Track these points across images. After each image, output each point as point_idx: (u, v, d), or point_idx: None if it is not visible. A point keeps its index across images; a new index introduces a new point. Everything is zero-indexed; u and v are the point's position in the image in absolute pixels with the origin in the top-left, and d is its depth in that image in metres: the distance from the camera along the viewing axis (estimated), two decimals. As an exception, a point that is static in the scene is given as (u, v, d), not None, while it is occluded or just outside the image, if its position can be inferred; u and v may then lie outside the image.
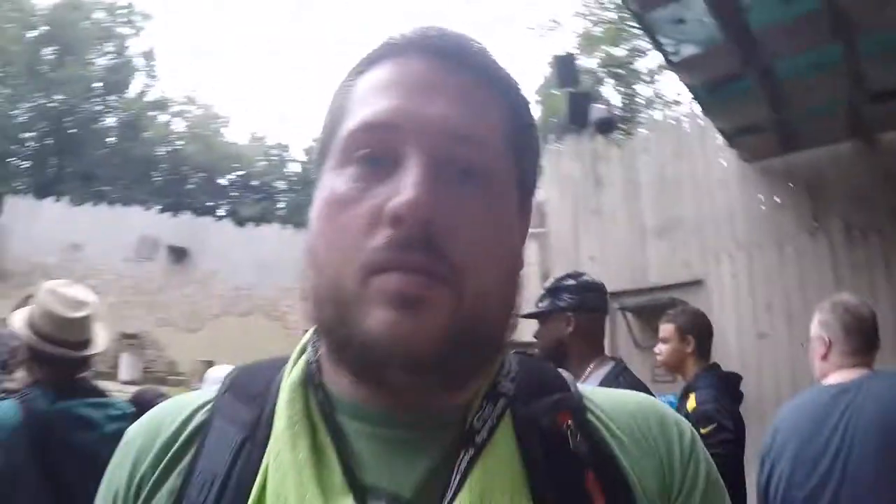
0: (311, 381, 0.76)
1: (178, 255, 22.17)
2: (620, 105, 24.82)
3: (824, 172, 6.07)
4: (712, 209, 6.88)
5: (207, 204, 35.96)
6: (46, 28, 34.25)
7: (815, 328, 2.86)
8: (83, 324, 2.74)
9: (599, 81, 27.38)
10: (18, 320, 2.70)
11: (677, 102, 21.03)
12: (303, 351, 0.80)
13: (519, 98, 0.79)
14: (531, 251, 12.89)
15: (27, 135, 33.46)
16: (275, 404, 0.74)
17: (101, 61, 36.47)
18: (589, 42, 25.34)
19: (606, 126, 10.99)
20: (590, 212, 8.99)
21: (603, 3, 24.25)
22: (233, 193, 40.17)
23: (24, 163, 32.79)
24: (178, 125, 39.91)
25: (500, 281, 0.71)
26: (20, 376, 2.68)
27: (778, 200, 6.34)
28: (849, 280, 5.59)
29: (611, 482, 0.72)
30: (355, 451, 0.71)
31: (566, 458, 0.72)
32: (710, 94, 5.52)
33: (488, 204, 0.70)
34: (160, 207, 24.46)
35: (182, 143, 38.32)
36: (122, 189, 31.68)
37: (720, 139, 6.45)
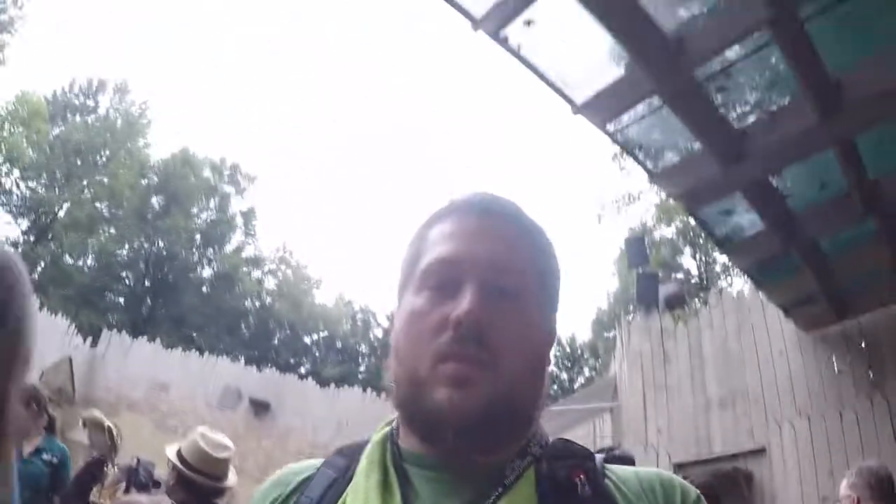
0: (389, 440, 1.03)
1: (260, 408, 22.55)
2: (696, 273, 25.38)
3: (879, 336, 6.31)
4: (773, 379, 7.16)
5: (290, 361, 36.82)
6: (157, 179, 36.95)
7: (843, 489, 3.53)
8: (223, 462, 3.63)
9: (678, 250, 28.01)
10: (171, 453, 3.61)
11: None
12: (388, 423, 1.07)
13: (544, 241, 1.09)
14: (606, 424, 13.24)
15: (126, 273, 35.16)
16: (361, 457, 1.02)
17: (204, 215, 38.85)
18: (666, 212, 26.03)
19: (676, 302, 11.67)
20: (657, 386, 9.61)
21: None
22: (316, 353, 41.12)
23: (120, 299, 34.28)
24: (270, 282, 41.58)
25: (527, 368, 0.97)
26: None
27: (837, 368, 6.59)
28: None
29: None
30: (414, 487, 0.96)
31: (571, 499, 0.93)
32: (761, 273, 5.99)
33: (519, 315, 0.98)
34: (244, 360, 25.17)
35: (271, 300, 39.78)
36: (210, 337, 32.74)
37: (779, 311, 6.83)
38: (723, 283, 24.29)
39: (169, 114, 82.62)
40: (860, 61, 4.04)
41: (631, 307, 41.02)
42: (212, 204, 39.14)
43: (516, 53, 3.96)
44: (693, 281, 26.64)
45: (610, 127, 4.52)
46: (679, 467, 6.85)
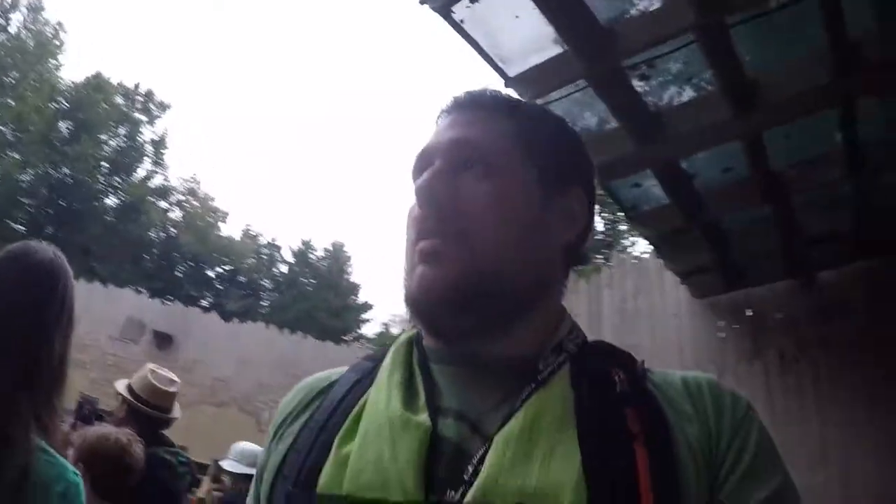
0: (415, 340, 1.02)
1: (163, 340, 22.57)
2: (603, 231, 26.34)
3: (764, 308, 6.80)
4: (665, 339, 7.72)
5: (193, 293, 36.83)
6: (67, 104, 36.12)
7: None
8: (171, 396, 3.99)
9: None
10: (122, 387, 3.89)
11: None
12: (414, 325, 1.04)
13: (528, 114, 1.06)
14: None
15: (28, 201, 34.30)
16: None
17: (113, 143, 38.11)
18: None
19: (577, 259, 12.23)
20: None
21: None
22: (219, 286, 41.11)
23: (20, 227, 33.32)
24: (176, 213, 41.33)
25: (509, 244, 0.93)
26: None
27: (721, 334, 7.09)
28: (781, 403, 6.25)
29: (651, 421, 0.86)
30: (439, 385, 0.93)
31: (610, 396, 0.87)
32: (662, 242, 6.39)
33: (489, 184, 0.95)
34: (149, 293, 24.90)
35: (176, 231, 39.62)
36: (113, 267, 32.34)
37: (675, 278, 7.33)
38: (627, 243, 25.24)
39: (84, 37, 79.62)
40: (777, 64, 4.37)
41: None
42: (122, 131, 38.32)
43: (458, 26, 4.14)
44: (599, 237, 27.40)
45: (539, 101, 4.70)
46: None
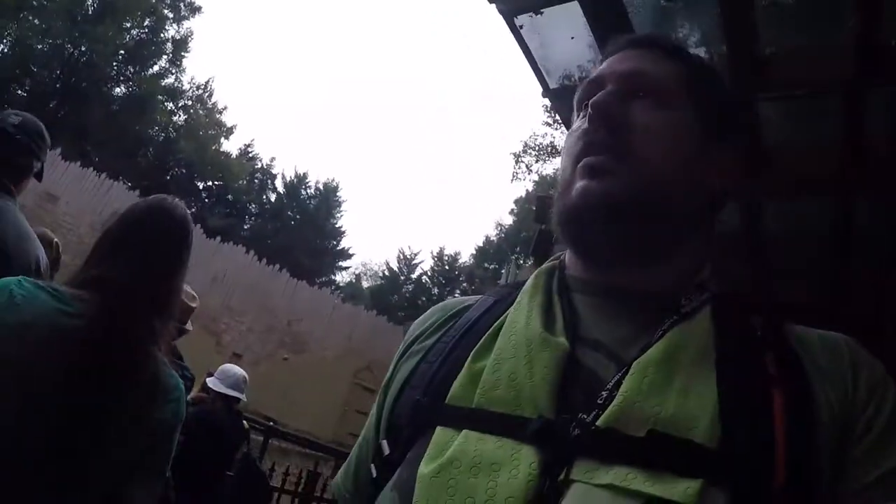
0: (558, 269, 1.03)
1: (143, 242, 22.46)
2: None
3: None
4: None
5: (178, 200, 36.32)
6: (97, -18, 35.42)
7: None
8: (191, 311, 4.45)
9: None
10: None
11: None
12: (556, 257, 1.08)
13: (693, 62, 1.07)
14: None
15: (39, 70, 34.03)
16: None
17: (134, 32, 37.60)
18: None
19: (544, 246, 13.08)
20: None
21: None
22: (206, 199, 41.07)
23: (24, 94, 33.06)
24: (180, 118, 40.89)
25: (672, 170, 0.95)
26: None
27: None
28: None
29: (790, 368, 0.85)
30: (580, 313, 0.94)
31: (752, 340, 0.87)
32: None
33: (659, 113, 0.98)
34: (138, 191, 24.81)
35: (176, 135, 39.28)
36: (107, 156, 32.13)
37: None
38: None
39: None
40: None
41: (519, 250, 42.25)
42: (146, 22, 37.71)
43: (517, 31, 4.33)
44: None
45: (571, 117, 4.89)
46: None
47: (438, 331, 1.04)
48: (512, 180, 40.67)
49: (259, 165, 45.33)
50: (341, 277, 47.85)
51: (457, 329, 1.00)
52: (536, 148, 36.52)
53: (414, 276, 51.48)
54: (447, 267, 50.92)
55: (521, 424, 0.81)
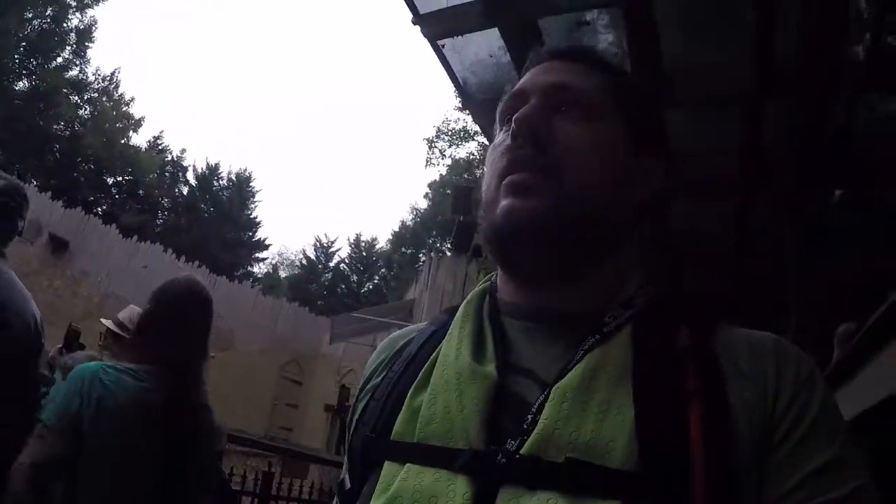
0: (488, 293, 1.03)
1: (59, 245, 22.10)
2: None
3: None
4: None
5: (90, 198, 35.90)
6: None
7: None
8: None
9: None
10: (110, 323, 4.28)
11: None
12: (488, 278, 1.08)
13: (617, 73, 1.08)
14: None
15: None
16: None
17: (36, 22, 36.48)
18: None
19: (466, 239, 13.74)
20: None
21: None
22: (117, 195, 40.23)
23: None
24: (86, 111, 39.82)
25: (599, 184, 0.94)
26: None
27: None
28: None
29: (709, 379, 0.84)
30: (509, 337, 0.95)
31: (670, 353, 0.86)
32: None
33: (585, 127, 0.96)
34: (49, 192, 24.23)
35: (83, 129, 38.16)
36: (13, 156, 31.17)
37: None
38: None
39: None
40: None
41: (435, 233, 42.52)
42: (49, 12, 36.61)
43: (440, 51, 4.56)
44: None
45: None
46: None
47: (385, 368, 1.05)
48: (426, 166, 40.76)
49: (169, 158, 44.65)
50: (259, 269, 47.45)
51: (399, 364, 1.02)
52: (449, 133, 36.91)
53: (332, 263, 51.35)
54: (364, 253, 51.06)
55: (454, 456, 0.83)
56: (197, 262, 26.04)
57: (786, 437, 0.82)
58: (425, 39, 4.47)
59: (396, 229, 50.96)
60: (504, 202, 0.93)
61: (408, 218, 51.47)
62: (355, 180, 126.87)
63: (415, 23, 4.29)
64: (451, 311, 1.05)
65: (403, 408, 0.92)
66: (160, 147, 44.33)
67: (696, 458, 0.76)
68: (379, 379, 1.04)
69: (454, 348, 0.94)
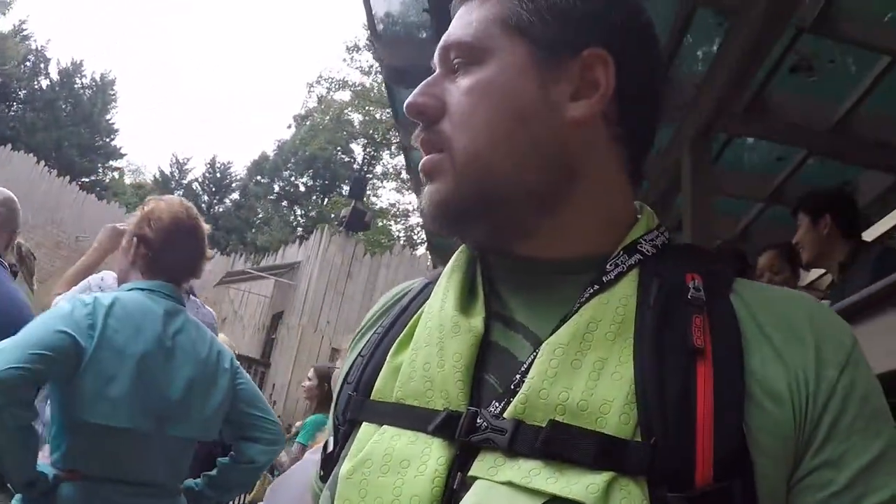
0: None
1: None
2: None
3: None
4: None
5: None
6: None
7: None
8: None
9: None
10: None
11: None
12: None
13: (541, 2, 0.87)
14: (269, 287, 17.20)
15: None
16: None
17: None
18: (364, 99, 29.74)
19: (357, 221, 16.04)
20: (336, 292, 15.73)
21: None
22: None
23: None
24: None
25: (497, 141, 0.82)
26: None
27: None
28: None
29: (722, 336, 0.74)
30: (501, 290, 0.87)
31: (676, 301, 0.76)
32: (435, 244, 9.04)
33: (468, 82, 0.85)
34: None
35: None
36: None
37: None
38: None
39: None
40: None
41: (294, 162, 42.73)
42: None
43: None
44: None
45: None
46: (336, 351, 10.25)
47: (377, 323, 0.99)
48: (302, 108, 41.66)
49: (33, 47, 43.02)
50: (109, 177, 46.81)
51: (390, 318, 0.95)
52: (329, 81, 38.22)
53: (185, 181, 51.25)
54: (219, 175, 51.00)
55: (430, 417, 0.76)
56: (56, 170, 25.74)
57: (830, 427, 0.71)
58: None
59: (256, 158, 51.11)
60: (424, 188, 0.88)
61: (270, 150, 51.64)
62: (220, 102, 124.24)
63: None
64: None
65: (385, 365, 0.86)
66: (24, 33, 42.82)
67: (701, 430, 0.68)
68: (369, 334, 0.98)
69: (439, 299, 0.87)
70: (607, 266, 0.81)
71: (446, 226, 0.87)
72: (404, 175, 32.65)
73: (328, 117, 40.33)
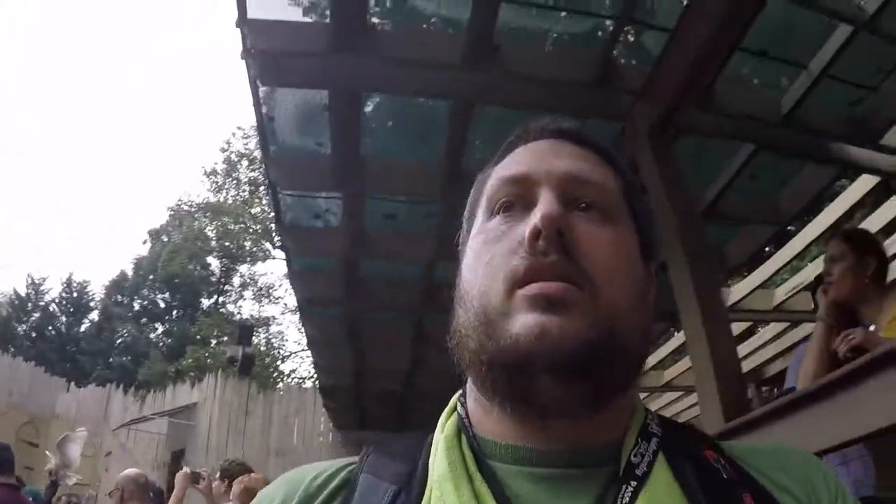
0: (464, 433, 0.82)
1: None
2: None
3: None
4: (312, 446, 13.94)
5: None
6: None
7: None
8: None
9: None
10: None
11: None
12: (452, 410, 0.87)
13: (629, 176, 0.93)
14: (162, 425, 20.33)
15: None
16: (428, 458, 0.80)
17: None
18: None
19: (248, 364, 18.87)
20: (237, 431, 17.33)
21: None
22: None
23: None
24: None
25: (630, 298, 0.79)
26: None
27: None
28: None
29: (766, 500, 0.77)
30: (513, 492, 0.74)
31: (722, 485, 0.76)
32: (326, 392, 10.31)
33: (610, 231, 0.82)
34: None
35: None
36: None
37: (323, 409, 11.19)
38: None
39: None
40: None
41: (153, 278, 43.48)
42: None
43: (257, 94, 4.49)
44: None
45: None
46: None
47: None
48: (157, 223, 42.80)
49: None
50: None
51: None
52: (190, 205, 40.28)
53: (42, 303, 51.19)
54: (76, 295, 50.90)
55: None
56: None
57: None
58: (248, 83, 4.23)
59: (115, 277, 51.29)
60: (530, 318, 0.73)
61: (127, 266, 52.14)
62: (73, 218, 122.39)
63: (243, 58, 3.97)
64: (404, 454, 0.84)
65: None
66: None
67: None
68: None
69: None
70: (632, 457, 0.76)
71: (565, 369, 0.72)
72: (262, 283, 35.55)
73: (182, 235, 42.00)
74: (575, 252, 0.77)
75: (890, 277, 3.39)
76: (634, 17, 4.22)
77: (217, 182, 35.10)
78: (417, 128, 5.05)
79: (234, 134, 38.39)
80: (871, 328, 3.08)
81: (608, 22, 4.27)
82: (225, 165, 32.93)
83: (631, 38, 4.59)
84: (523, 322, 0.73)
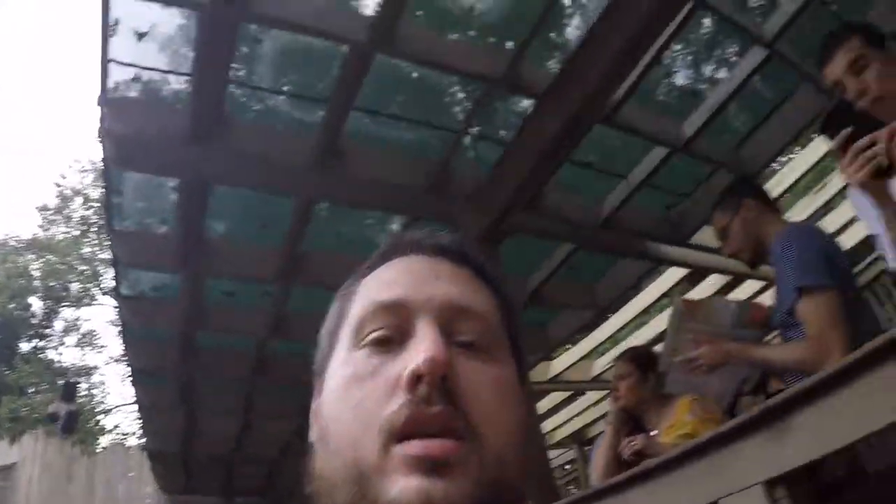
0: None
1: None
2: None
3: None
4: None
5: None
6: None
7: None
8: None
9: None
10: None
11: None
12: None
13: (507, 295, 0.86)
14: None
15: None
16: None
17: None
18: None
19: (72, 424, 18.15)
20: (62, 493, 16.39)
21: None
22: None
23: None
24: None
25: (517, 443, 0.73)
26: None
27: None
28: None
29: None
30: None
31: None
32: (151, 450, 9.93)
33: (494, 371, 0.75)
34: None
35: None
36: None
37: (147, 470, 11.20)
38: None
39: None
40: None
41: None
42: None
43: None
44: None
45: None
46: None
47: None
48: None
49: None
50: None
51: None
52: (17, 240, 38.66)
53: None
54: None
55: None
56: None
57: None
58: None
59: None
60: (412, 482, 0.65)
61: None
62: None
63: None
64: None
65: None
66: None
67: None
68: None
69: None
70: None
71: None
72: (85, 329, 33.35)
73: (5, 272, 40.30)
74: (460, 401, 0.69)
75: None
76: (472, 130, 4.63)
77: (48, 218, 33.98)
78: (262, 216, 5.26)
79: (70, 166, 36.98)
80: (654, 433, 3.59)
81: (448, 133, 4.63)
82: (58, 200, 31.47)
83: (469, 149, 4.85)
84: (404, 486, 0.64)
